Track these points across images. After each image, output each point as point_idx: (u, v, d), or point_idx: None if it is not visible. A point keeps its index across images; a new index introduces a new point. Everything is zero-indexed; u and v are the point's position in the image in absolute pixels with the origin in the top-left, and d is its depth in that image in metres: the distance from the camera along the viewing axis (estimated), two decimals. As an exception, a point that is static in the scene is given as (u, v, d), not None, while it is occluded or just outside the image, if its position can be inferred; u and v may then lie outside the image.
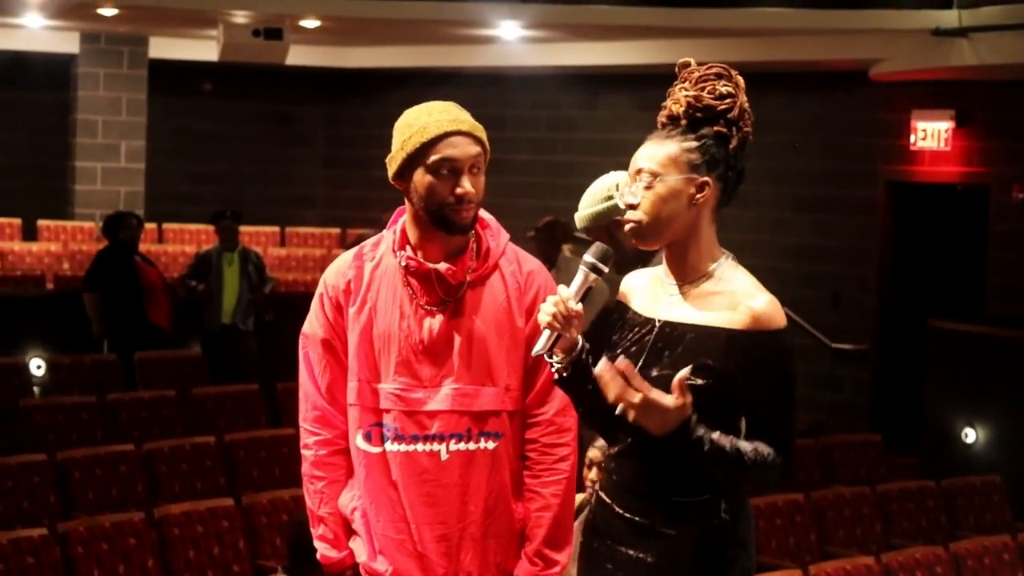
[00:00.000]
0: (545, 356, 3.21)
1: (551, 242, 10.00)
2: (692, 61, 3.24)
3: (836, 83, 13.27)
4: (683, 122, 3.16)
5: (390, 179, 3.49)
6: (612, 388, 3.01)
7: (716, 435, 3.02)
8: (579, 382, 3.18)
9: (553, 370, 3.22)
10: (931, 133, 12.68)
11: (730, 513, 3.11)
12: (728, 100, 3.15)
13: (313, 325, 3.58)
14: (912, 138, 12.81)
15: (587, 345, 3.21)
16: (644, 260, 4.23)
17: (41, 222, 15.35)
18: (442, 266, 3.46)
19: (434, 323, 3.46)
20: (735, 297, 3.09)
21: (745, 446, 3.04)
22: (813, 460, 9.47)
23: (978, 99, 12.49)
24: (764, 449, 3.04)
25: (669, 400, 2.97)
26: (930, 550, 7.39)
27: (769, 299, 3.09)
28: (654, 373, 3.09)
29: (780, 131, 13.60)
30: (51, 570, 6.35)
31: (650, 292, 3.24)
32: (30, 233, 15.40)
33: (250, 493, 7.55)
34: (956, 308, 12.14)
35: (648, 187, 3.13)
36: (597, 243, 3.22)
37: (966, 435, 10.63)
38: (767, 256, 13.64)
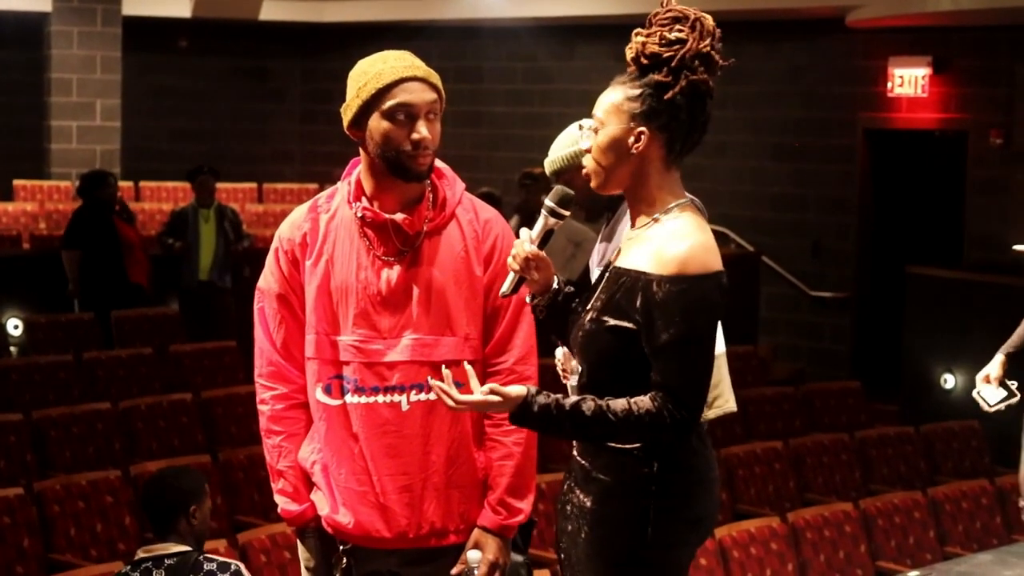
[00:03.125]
0: (526, 298, 3.27)
1: (546, 191, 9.96)
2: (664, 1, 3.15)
3: (814, 31, 13.21)
4: (633, 68, 3.11)
5: (345, 128, 3.46)
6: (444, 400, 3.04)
7: (570, 401, 2.99)
8: (556, 322, 3.22)
9: (532, 311, 3.27)
10: (908, 80, 12.64)
11: (671, 463, 3.06)
12: (675, 47, 3.05)
13: (268, 280, 3.56)
14: (889, 85, 12.77)
15: (566, 288, 3.23)
16: (612, 207, 4.22)
17: (17, 182, 15.26)
18: (398, 216, 3.44)
19: (392, 274, 3.44)
20: (660, 241, 3.04)
21: (616, 405, 2.98)
22: (793, 408, 9.46)
23: (955, 45, 12.45)
24: (642, 406, 2.97)
25: (488, 396, 2.99)
26: (908, 495, 7.39)
27: (692, 243, 3.01)
28: (587, 318, 3.11)
29: (759, 81, 13.56)
30: (27, 529, 6.33)
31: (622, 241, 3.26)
32: (6, 193, 15.32)
33: (227, 449, 7.52)
34: (935, 255, 12.15)
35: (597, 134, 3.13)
36: (556, 187, 3.24)
37: (945, 381, 10.64)
38: (746, 206, 13.64)
